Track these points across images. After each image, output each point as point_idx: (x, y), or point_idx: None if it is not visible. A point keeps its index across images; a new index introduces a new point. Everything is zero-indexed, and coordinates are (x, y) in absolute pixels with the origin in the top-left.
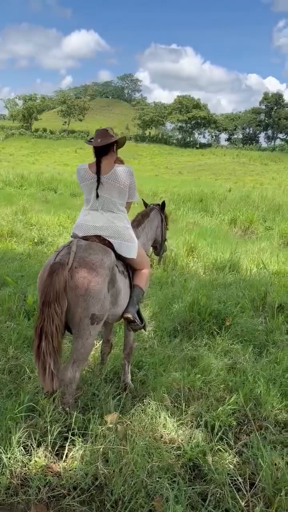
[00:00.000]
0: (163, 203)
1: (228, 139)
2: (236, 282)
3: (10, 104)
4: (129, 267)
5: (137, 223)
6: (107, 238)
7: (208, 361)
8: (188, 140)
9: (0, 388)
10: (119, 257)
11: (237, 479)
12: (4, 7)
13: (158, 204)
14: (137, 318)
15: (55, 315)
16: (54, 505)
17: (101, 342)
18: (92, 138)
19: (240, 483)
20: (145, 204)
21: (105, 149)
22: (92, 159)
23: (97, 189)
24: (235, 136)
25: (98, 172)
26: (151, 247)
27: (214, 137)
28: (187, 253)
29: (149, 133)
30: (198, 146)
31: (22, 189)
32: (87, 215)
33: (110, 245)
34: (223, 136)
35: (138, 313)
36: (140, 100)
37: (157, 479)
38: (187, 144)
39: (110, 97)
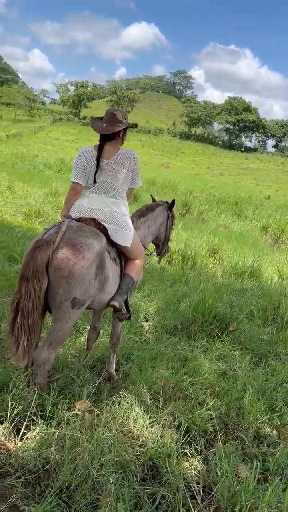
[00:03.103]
0: (173, 201)
1: (275, 146)
2: (253, 289)
3: (62, 89)
4: (122, 256)
5: (139, 214)
6: (102, 223)
7: (199, 363)
8: (234, 142)
9: None
10: (113, 243)
11: (194, 486)
12: None
13: (167, 202)
14: (124, 307)
15: (32, 292)
16: None
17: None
18: (101, 118)
19: (196, 491)
20: (153, 200)
21: (111, 134)
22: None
23: (95, 174)
24: (283, 144)
25: (98, 157)
26: (153, 244)
27: (261, 142)
28: (209, 254)
29: (195, 131)
30: (243, 149)
31: (61, 173)
32: (85, 197)
33: (104, 230)
34: (271, 142)
35: (126, 302)
36: (190, 98)
37: (104, 473)
38: (232, 147)
39: (161, 92)
